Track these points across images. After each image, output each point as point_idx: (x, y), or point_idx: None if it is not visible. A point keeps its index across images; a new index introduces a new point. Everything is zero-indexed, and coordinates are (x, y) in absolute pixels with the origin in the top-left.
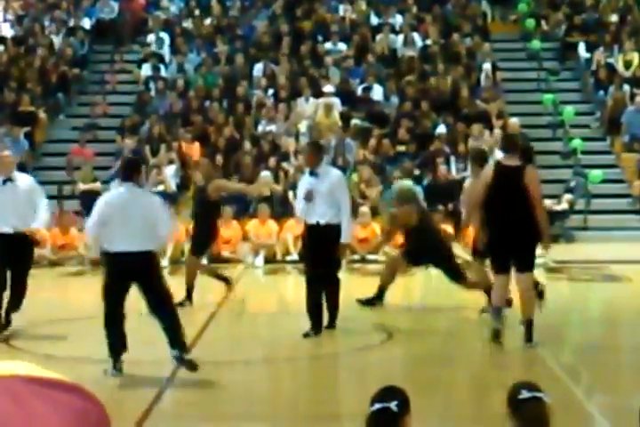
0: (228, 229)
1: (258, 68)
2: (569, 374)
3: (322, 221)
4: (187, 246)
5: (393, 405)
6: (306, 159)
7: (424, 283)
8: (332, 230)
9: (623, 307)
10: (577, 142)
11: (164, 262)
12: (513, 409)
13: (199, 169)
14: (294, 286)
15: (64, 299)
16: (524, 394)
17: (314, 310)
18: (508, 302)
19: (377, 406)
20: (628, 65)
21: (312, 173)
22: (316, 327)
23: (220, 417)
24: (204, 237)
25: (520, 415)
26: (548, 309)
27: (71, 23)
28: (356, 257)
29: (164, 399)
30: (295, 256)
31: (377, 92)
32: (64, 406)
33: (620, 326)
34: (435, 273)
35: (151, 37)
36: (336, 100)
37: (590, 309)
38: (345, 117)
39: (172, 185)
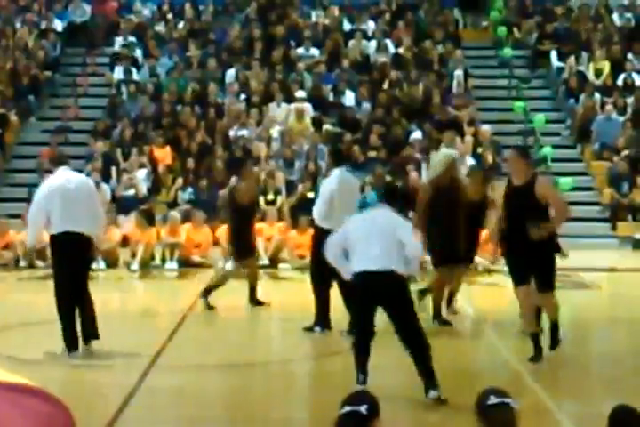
0: (199, 233)
1: (230, 73)
2: (538, 380)
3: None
4: (157, 250)
5: (362, 408)
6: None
7: None
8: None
9: (593, 314)
10: (547, 150)
11: (134, 266)
12: (481, 415)
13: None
14: (264, 290)
15: (33, 301)
16: (493, 400)
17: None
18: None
19: (346, 409)
20: (598, 73)
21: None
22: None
23: (190, 422)
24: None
25: (488, 421)
26: (518, 315)
27: (43, 25)
28: None
29: (133, 404)
30: (266, 261)
31: (349, 98)
32: (29, 411)
33: (590, 333)
34: None
35: (123, 41)
36: (308, 106)
37: (560, 316)
38: (317, 123)
39: (143, 189)
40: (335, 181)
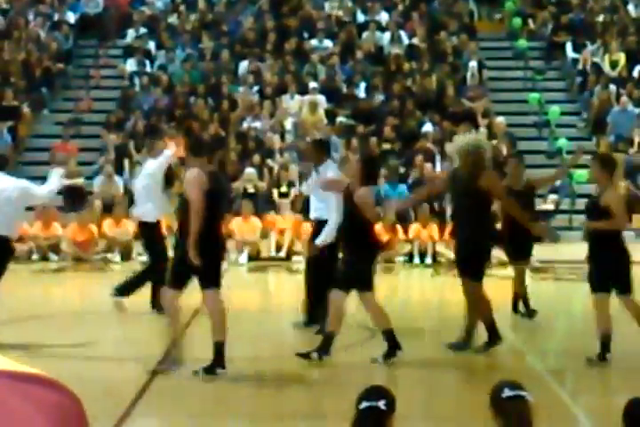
0: None
1: (243, 65)
2: (553, 373)
3: (313, 217)
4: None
5: (381, 404)
6: (310, 156)
7: (407, 281)
8: (323, 226)
9: None
10: (562, 142)
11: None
12: (496, 408)
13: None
14: (279, 283)
15: (45, 294)
16: (507, 393)
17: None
18: None
19: (365, 404)
20: (614, 65)
21: (315, 169)
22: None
23: (203, 415)
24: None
25: (503, 414)
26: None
27: (56, 17)
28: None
29: (144, 399)
30: (282, 253)
31: (362, 90)
32: (40, 401)
33: None
34: (417, 271)
35: (136, 33)
36: (321, 98)
37: (575, 308)
38: (330, 115)
39: None
40: None
